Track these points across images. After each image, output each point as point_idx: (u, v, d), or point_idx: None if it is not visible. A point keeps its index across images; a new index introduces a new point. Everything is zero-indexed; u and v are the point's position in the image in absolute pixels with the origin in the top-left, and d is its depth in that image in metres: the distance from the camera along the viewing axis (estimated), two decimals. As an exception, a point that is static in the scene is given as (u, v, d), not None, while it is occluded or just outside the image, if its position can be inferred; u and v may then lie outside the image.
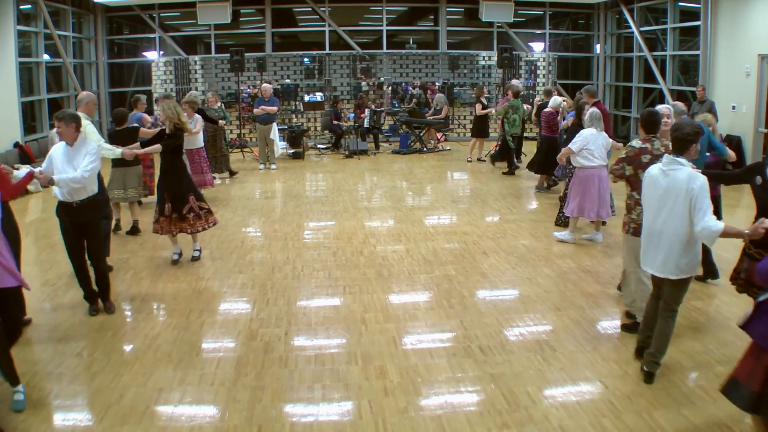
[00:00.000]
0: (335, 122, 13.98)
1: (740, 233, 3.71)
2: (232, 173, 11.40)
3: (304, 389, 4.12)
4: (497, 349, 4.64)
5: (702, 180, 3.80)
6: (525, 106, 11.57)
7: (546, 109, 9.70)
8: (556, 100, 9.69)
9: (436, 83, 15.83)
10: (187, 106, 8.57)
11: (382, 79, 15.87)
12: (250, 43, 15.89)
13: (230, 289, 5.98)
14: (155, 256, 6.93)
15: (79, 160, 4.97)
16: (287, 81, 15.60)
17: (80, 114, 6.49)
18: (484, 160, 12.86)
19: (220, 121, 10.64)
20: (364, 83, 15.80)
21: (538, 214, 8.62)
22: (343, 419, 3.79)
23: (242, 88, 14.74)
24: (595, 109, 7.13)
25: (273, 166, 12.34)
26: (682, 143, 3.93)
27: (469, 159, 12.96)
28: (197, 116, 8.80)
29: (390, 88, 15.95)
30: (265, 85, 12.52)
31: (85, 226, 5.16)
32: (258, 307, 5.51)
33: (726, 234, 3.68)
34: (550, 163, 9.19)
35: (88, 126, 6.37)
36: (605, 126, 7.25)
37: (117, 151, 6.11)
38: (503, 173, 11.47)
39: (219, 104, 11.24)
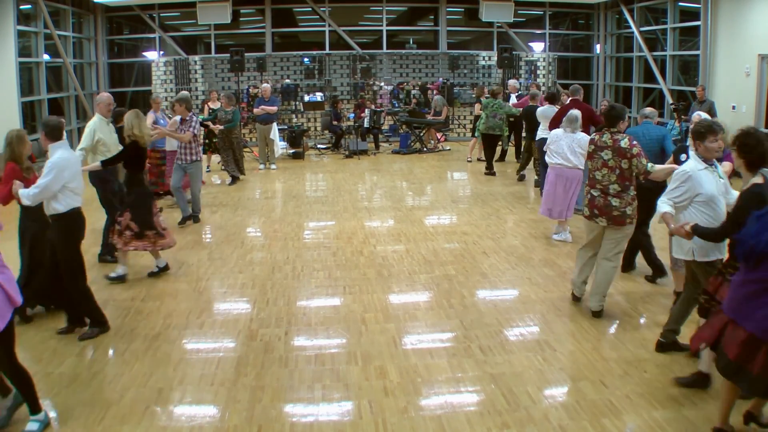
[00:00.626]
0: (334, 122, 13.99)
1: (668, 224, 4.06)
2: (234, 178, 11.09)
3: (304, 389, 4.12)
4: (497, 349, 4.64)
5: (679, 171, 4.16)
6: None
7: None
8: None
9: (439, 82, 15.82)
10: (180, 105, 8.26)
11: (381, 82, 15.85)
12: (250, 43, 15.90)
13: (230, 289, 5.98)
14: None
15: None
16: (287, 81, 15.60)
17: (96, 116, 6.53)
18: (483, 160, 12.85)
19: (212, 125, 10.63)
20: (364, 83, 15.80)
21: (537, 214, 8.61)
22: (343, 419, 3.79)
23: (243, 87, 14.73)
24: (573, 112, 7.16)
25: (273, 166, 12.34)
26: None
27: (469, 159, 12.96)
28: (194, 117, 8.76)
29: (390, 88, 15.94)
30: (264, 84, 12.52)
31: (53, 243, 4.78)
32: (258, 307, 5.51)
33: (664, 220, 4.12)
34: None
35: (87, 128, 6.39)
36: (592, 121, 7.40)
37: None
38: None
39: (231, 107, 11.01)
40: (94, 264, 6.55)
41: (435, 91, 14.97)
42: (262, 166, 12.35)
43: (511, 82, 13.36)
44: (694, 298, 4.23)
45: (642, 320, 5.16)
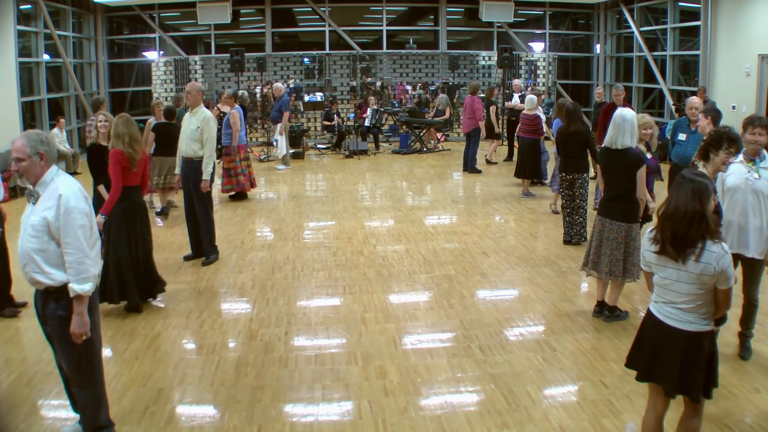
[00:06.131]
0: (324, 122, 14.07)
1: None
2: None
3: (304, 389, 4.12)
4: (497, 349, 4.64)
5: None
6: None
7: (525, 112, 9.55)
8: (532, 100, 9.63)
9: (445, 82, 15.84)
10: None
11: (382, 81, 15.88)
12: (250, 43, 15.90)
13: (230, 289, 5.98)
14: (155, 256, 6.91)
15: None
16: (296, 81, 15.59)
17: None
18: (494, 162, 12.75)
19: None
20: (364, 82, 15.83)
21: (538, 215, 8.62)
22: (343, 419, 3.79)
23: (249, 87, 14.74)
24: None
25: (279, 167, 12.29)
26: None
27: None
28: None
29: (390, 88, 15.97)
30: (277, 84, 12.53)
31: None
32: (258, 307, 5.51)
33: None
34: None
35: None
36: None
37: None
38: None
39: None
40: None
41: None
42: (281, 167, 12.30)
43: (516, 81, 13.35)
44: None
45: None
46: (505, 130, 13.16)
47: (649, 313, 3.12)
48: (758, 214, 4.16)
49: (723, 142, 3.96)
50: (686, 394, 3.01)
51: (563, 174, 7.13)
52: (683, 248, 2.85)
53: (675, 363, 2.94)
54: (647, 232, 3.05)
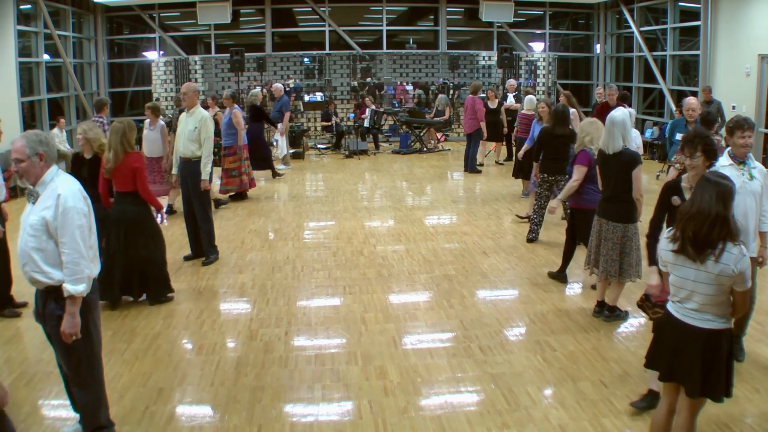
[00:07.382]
0: (323, 122, 14.08)
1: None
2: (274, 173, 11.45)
3: (304, 389, 4.12)
4: (497, 349, 4.64)
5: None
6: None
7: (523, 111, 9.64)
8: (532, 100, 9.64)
9: (448, 83, 15.84)
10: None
11: (380, 81, 15.89)
12: (250, 43, 15.90)
13: (230, 289, 5.98)
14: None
15: None
16: (296, 82, 15.58)
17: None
18: (501, 163, 12.71)
19: None
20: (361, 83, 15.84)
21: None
22: (343, 419, 3.79)
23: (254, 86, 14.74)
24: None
25: (279, 167, 12.27)
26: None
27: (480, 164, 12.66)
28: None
29: (390, 88, 15.97)
30: (276, 84, 12.52)
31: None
32: (258, 307, 5.51)
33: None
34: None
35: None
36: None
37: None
38: None
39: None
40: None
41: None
42: (282, 166, 12.29)
43: (510, 81, 13.35)
44: None
45: (641, 320, 5.15)
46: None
47: (666, 313, 3.11)
48: (754, 215, 4.16)
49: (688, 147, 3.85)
50: (708, 395, 2.98)
51: (545, 175, 7.07)
52: (703, 249, 2.86)
53: (696, 362, 2.94)
54: (665, 231, 3.06)
